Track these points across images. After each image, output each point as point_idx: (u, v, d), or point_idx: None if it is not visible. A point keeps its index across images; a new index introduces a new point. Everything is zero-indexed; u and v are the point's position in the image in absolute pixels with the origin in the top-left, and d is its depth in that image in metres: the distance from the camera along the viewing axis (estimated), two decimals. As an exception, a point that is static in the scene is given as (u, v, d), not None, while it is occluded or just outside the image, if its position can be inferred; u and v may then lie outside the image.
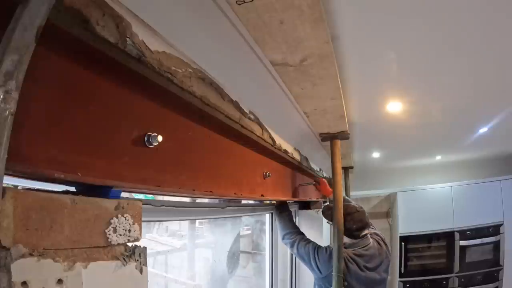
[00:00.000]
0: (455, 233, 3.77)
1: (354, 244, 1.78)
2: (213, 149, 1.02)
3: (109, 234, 0.58)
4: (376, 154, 3.22)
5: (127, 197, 0.70)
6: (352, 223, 1.77)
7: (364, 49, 1.06)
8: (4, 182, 0.37)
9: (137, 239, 0.65)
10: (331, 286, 1.62)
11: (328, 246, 1.82)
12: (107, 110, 0.61)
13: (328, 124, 1.45)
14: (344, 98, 1.23)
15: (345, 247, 1.72)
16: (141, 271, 0.65)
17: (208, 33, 0.81)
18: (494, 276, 3.61)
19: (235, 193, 1.15)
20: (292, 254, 2.63)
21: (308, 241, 1.89)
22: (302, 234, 2.00)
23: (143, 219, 0.67)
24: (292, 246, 1.90)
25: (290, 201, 2.23)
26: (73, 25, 0.49)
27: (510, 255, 3.55)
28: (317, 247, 1.81)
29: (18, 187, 0.52)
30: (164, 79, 0.72)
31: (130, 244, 0.63)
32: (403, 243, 3.95)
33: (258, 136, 1.28)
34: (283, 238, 1.99)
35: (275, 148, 1.50)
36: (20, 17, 0.38)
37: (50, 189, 0.54)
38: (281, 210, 2.12)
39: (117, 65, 0.60)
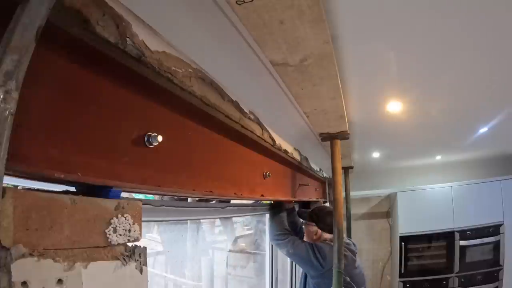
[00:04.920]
0: (455, 233, 3.76)
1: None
2: (213, 149, 1.02)
3: (109, 234, 0.58)
4: (376, 154, 3.22)
5: (127, 197, 0.70)
6: (332, 219, 1.89)
7: (364, 49, 1.06)
8: (4, 182, 0.37)
9: (137, 239, 0.65)
10: (330, 280, 1.64)
11: (325, 241, 1.91)
12: (107, 110, 0.61)
13: (328, 124, 1.45)
14: (344, 98, 1.23)
15: (331, 241, 1.82)
16: (141, 271, 0.65)
17: (208, 33, 0.81)
18: (494, 276, 3.60)
19: (235, 193, 1.15)
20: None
21: (303, 239, 1.95)
22: (294, 234, 2.03)
23: (143, 219, 0.67)
24: (286, 245, 1.89)
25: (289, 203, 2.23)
26: (73, 25, 0.49)
27: (510, 255, 3.55)
28: (314, 243, 1.86)
29: (18, 187, 0.52)
30: (164, 79, 0.72)
31: (130, 244, 0.63)
32: (403, 243, 3.95)
33: (258, 136, 1.28)
34: (275, 239, 1.97)
35: (275, 148, 1.50)
36: (20, 17, 0.38)
37: (50, 189, 0.54)
38: (275, 211, 2.10)
39: (117, 65, 0.60)
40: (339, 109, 1.28)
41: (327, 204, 3.19)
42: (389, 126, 2.07)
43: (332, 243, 1.81)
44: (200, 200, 1.50)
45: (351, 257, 1.89)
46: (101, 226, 0.57)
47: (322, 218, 1.96)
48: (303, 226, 2.11)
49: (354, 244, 2.01)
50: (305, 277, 2.00)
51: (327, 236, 1.91)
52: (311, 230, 1.97)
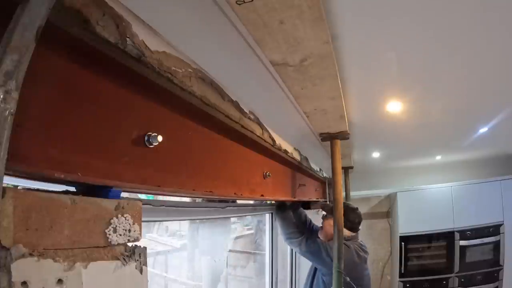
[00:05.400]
0: (455, 233, 3.76)
1: (353, 237, 1.96)
2: (213, 149, 1.02)
3: (109, 234, 0.58)
4: (376, 154, 3.21)
5: (127, 197, 0.70)
6: (355, 217, 1.99)
7: (364, 49, 1.06)
8: (4, 182, 0.37)
9: (137, 239, 0.65)
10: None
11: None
12: (107, 110, 0.61)
13: (328, 124, 1.45)
14: (344, 98, 1.23)
15: (347, 240, 1.89)
16: (141, 271, 0.65)
17: (208, 33, 0.81)
18: (494, 276, 3.60)
19: (235, 193, 1.15)
20: (293, 253, 2.64)
21: (316, 237, 1.99)
22: (306, 231, 2.07)
23: (143, 219, 0.67)
24: (300, 244, 1.94)
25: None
26: (73, 25, 0.49)
27: (510, 255, 3.55)
28: (327, 243, 1.90)
29: (18, 187, 0.52)
30: (164, 79, 0.72)
31: (130, 244, 0.63)
32: (403, 243, 3.95)
33: (258, 136, 1.28)
34: (288, 237, 2.02)
35: (275, 148, 1.50)
36: (20, 17, 0.38)
37: (50, 189, 0.54)
38: (282, 210, 2.14)
39: (117, 65, 0.60)
40: (339, 109, 1.28)
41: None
42: (389, 126, 2.06)
43: (347, 242, 1.87)
44: (200, 200, 1.50)
45: (364, 258, 1.91)
46: (101, 226, 0.57)
47: (346, 213, 1.94)
48: (322, 219, 2.12)
49: (365, 246, 2.04)
50: (314, 272, 2.02)
51: (346, 233, 1.93)
52: (332, 224, 1.97)
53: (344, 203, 2.09)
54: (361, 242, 2.00)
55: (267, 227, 2.45)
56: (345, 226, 1.91)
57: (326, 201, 3.14)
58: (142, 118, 0.70)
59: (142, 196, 1.05)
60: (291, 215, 2.12)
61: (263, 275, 2.48)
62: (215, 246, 2.90)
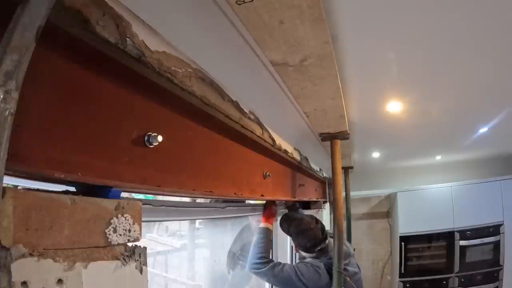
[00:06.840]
0: (455, 233, 3.76)
1: (321, 253, 1.74)
2: (213, 149, 1.02)
3: (109, 234, 0.58)
4: (376, 154, 3.22)
5: (127, 197, 0.70)
6: (306, 241, 1.72)
7: (364, 49, 1.06)
8: (4, 182, 0.37)
9: (137, 239, 0.65)
10: None
11: (303, 260, 1.75)
12: (107, 110, 0.61)
13: (328, 124, 1.45)
14: (344, 98, 1.23)
15: (315, 257, 1.72)
16: (141, 271, 0.65)
17: (208, 33, 0.81)
18: (494, 276, 3.60)
19: (235, 193, 1.15)
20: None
21: (283, 263, 1.70)
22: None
23: (143, 219, 0.67)
24: (266, 273, 1.64)
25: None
26: (73, 25, 0.49)
27: (510, 255, 3.55)
28: (294, 265, 1.71)
29: (18, 187, 0.52)
30: (164, 79, 0.72)
31: (130, 244, 0.63)
32: (403, 243, 3.95)
33: (258, 136, 1.28)
34: (255, 264, 1.68)
35: (275, 148, 1.50)
36: (20, 17, 0.38)
37: (50, 189, 0.54)
38: (262, 232, 1.79)
39: (117, 65, 0.60)
40: (339, 109, 1.28)
41: (326, 207, 3.11)
42: (389, 126, 2.07)
43: (313, 261, 1.67)
44: (200, 200, 1.50)
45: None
46: (101, 226, 0.57)
47: (295, 236, 1.74)
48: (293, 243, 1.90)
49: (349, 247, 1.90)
50: None
51: (303, 254, 1.75)
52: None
53: (296, 222, 1.77)
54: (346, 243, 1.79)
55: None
56: (299, 248, 1.74)
57: (326, 201, 3.12)
58: (142, 118, 0.70)
59: (142, 196, 1.05)
60: (258, 240, 1.75)
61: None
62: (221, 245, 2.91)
